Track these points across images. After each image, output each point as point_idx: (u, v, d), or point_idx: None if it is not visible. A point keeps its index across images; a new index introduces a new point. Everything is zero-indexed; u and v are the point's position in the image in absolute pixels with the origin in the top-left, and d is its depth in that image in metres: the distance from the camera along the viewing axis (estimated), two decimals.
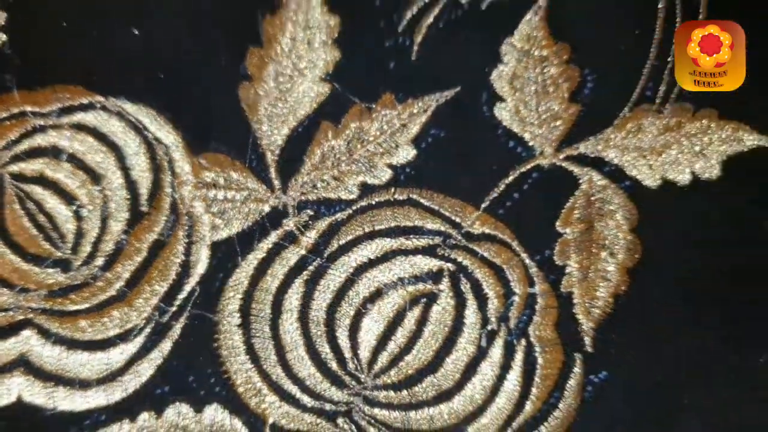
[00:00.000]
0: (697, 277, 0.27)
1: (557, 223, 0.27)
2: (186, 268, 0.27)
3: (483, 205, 0.28)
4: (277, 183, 0.27)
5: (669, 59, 0.27)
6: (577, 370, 0.27)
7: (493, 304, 0.27)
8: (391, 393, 0.27)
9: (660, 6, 0.27)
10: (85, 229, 0.27)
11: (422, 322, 0.27)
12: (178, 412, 0.26)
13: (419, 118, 0.28)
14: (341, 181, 0.27)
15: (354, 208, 0.28)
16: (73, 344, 0.27)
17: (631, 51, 0.28)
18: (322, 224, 0.27)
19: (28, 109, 0.28)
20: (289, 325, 0.27)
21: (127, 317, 0.27)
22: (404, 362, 0.27)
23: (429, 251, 0.27)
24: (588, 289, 0.27)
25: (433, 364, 0.27)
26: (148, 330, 0.27)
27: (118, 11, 0.28)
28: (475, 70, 0.28)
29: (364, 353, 0.27)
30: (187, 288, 0.27)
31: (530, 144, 0.28)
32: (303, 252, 0.27)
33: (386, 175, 0.28)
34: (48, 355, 0.27)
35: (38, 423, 0.26)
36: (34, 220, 0.27)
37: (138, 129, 0.28)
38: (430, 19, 0.28)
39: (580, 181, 0.28)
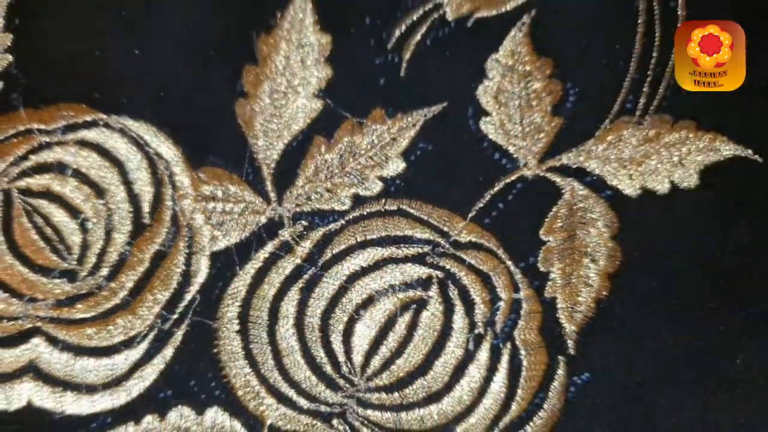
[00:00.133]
0: (676, 282, 0.27)
1: (541, 232, 0.28)
2: (187, 278, 0.28)
3: (470, 215, 0.28)
4: (273, 195, 0.28)
5: (648, 72, 0.28)
6: (560, 372, 0.27)
7: (480, 310, 0.27)
8: (383, 395, 0.27)
9: (639, 21, 0.28)
10: (90, 241, 0.28)
11: (412, 327, 0.27)
12: (181, 414, 0.27)
13: (408, 132, 0.28)
14: (334, 193, 0.28)
15: (347, 218, 0.28)
16: (79, 351, 0.27)
17: (612, 65, 0.28)
18: (317, 234, 0.28)
19: (35, 126, 0.28)
20: (286, 331, 0.27)
21: (131, 325, 0.27)
22: (395, 365, 0.27)
23: (418, 259, 0.28)
24: (571, 294, 0.27)
25: (423, 367, 0.27)
26: (151, 337, 0.27)
27: (120, 33, 0.29)
28: (461, 86, 0.28)
29: (357, 357, 0.27)
30: (188, 296, 0.28)
31: (514, 156, 0.28)
32: (298, 261, 0.28)
33: (377, 187, 0.28)
34: (56, 361, 0.27)
35: (47, 426, 0.27)
36: (41, 232, 0.28)
37: (139, 145, 0.28)
38: (418, 37, 0.28)
39: (563, 191, 0.28)
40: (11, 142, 0.28)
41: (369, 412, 0.27)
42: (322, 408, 0.27)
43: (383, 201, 0.28)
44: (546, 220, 0.28)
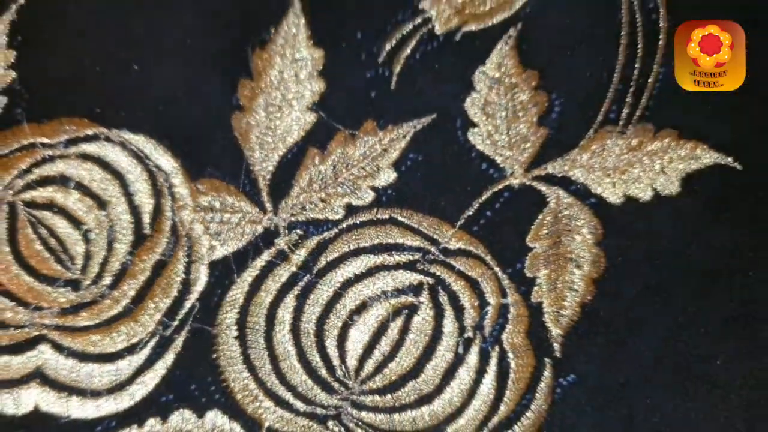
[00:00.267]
0: (658, 287, 0.28)
1: (527, 239, 0.28)
2: (186, 286, 0.28)
3: (459, 223, 0.28)
4: (268, 205, 0.28)
5: (631, 83, 0.28)
6: (547, 374, 0.27)
7: (469, 314, 0.28)
8: (377, 397, 0.27)
9: (622, 33, 0.28)
10: (93, 251, 0.28)
11: (404, 331, 0.28)
12: (182, 417, 0.27)
13: (399, 144, 0.28)
14: (328, 203, 0.28)
15: (340, 227, 0.28)
16: (84, 357, 0.28)
17: (596, 77, 0.28)
18: (311, 243, 0.28)
19: (38, 140, 0.28)
20: (282, 336, 0.28)
21: (133, 331, 0.28)
22: (388, 369, 0.27)
23: (409, 266, 0.28)
24: (556, 299, 0.28)
25: (415, 370, 0.28)
26: (152, 343, 0.28)
27: (119, 49, 0.29)
28: (450, 98, 0.29)
29: (352, 361, 0.27)
30: (188, 304, 0.28)
31: (501, 166, 0.28)
32: (294, 269, 0.28)
33: (369, 196, 0.28)
34: (62, 367, 0.27)
35: (54, 430, 0.27)
36: (45, 243, 0.28)
37: (139, 158, 0.28)
38: (408, 51, 0.29)
39: (548, 199, 0.28)
40: (15, 156, 0.28)
41: (363, 413, 0.27)
42: (318, 410, 0.27)
43: (375, 210, 0.28)
44: (532, 227, 0.28)
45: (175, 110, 0.29)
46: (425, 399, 0.27)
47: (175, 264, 0.28)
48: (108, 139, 0.28)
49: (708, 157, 0.28)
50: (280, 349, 0.28)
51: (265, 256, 0.28)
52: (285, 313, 0.28)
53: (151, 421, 0.27)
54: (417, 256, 0.28)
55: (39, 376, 0.27)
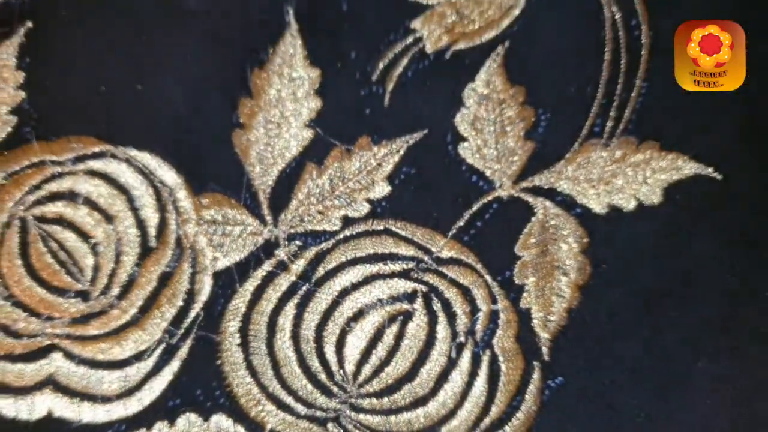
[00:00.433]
0: (641, 292, 0.28)
1: (516, 248, 0.29)
2: (191, 295, 0.28)
3: (450, 233, 0.29)
4: (269, 218, 0.29)
5: (615, 98, 0.29)
6: (536, 376, 0.28)
7: (461, 320, 0.28)
8: (374, 400, 0.28)
9: (606, 50, 0.29)
10: (101, 264, 0.28)
11: (400, 337, 0.28)
12: (188, 421, 0.28)
13: (393, 158, 0.29)
14: (325, 215, 0.29)
15: (337, 238, 0.29)
16: (94, 364, 0.28)
17: (581, 92, 0.29)
18: (310, 253, 0.29)
19: (47, 158, 0.29)
20: (283, 343, 0.28)
21: (141, 340, 0.28)
22: (385, 373, 0.28)
23: (404, 275, 0.29)
24: (544, 304, 0.28)
25: (410, 374, 0.28)
26: (159, 350, 0.28)
27: (123, 70, 0.29)
28: (440, 114, 0.29)
29: (350, 366, 0.28)
30: (193, 313, 0.28)
31: (490, 178, 0.29)
32: (293, 278, 0.28)
33: (365, 208, 0.29)
34: (73, 374, 0.28)
35: None
36: (56, 256, 0.28)
37: (145, 173, 0.29)
38: (400, 69, 0.29)
39: (536, 209, 0.29)
40: (26, 173, 0.29)
41: (361, 416, 0.28)
42: (318, 413, 0.28)
43: (371, 221, 0.29)
44: (520, 236, 0.29)
45: (179, 128, 0.29)
46: (420, 401, 0.28)
47: (180, 275, 0.28)
48: (114, 156, 0.29)
49: (689, 168, 0.28)
50: (281, 355, 0.28)
51: (266, 266, 0.28)
52: (285, 320, 0.28)
53: (159, 425, 0.27)
54: (411, 265, 0.29)
55: (51, 383, 0.28)
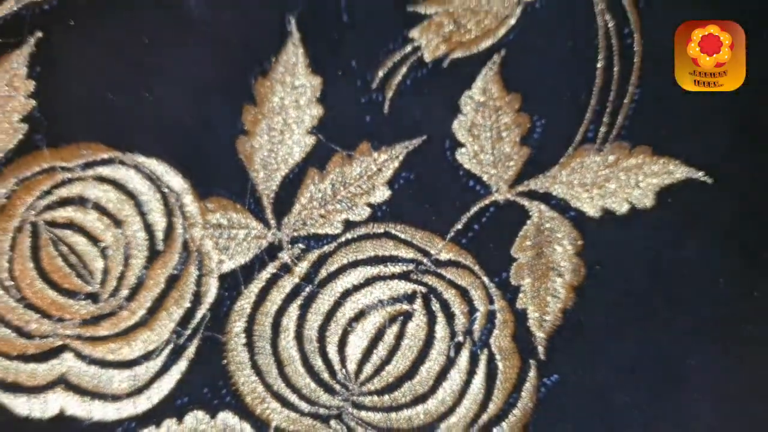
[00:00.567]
0: (634, 293, 0.29)
1: (512, 250, 0.29)
2: (198, 297, 0.29)
3: (448, 236, 0.29)
4: (272, 222, 0.29)
5: (608, 104, 0.29)
6: (532, 374, 0.28)
7: (460, 320, 0.29)
8: (375, 398, 0.28)
9: (599, 57, 0.29)
10: (110, 267, 0.29)
11: (400, 337, 0.29)
12: (196, 418, 0.28)
13: (392, 163, 0.29)
14: (327, 219, 0.29)
15: (339, 241, 0.29)
16: (105, 364, 0.28)
17: (575, 98, 0.29)
18: (312, 256, 0.29)
19: (57, 164, 0.29)
20: (287, 343, 0.29)
21: (149, 340, 0.28)
22: (385, 372, 0.28)
23: (404, 276, 0.29)
24: (540, 305, 0.29)
25: (410, 373, 0.28)
26: (167, 350, 0.28)
27: (131, 79, 0.30)
28: (438, 121, 0.29)
29: (351, 365, 0.28)
30: (200, 314, 0.29)
31: (487, 183, 0.29)
32: (296, 280, 0.29)
33: (366, 212, 0.29)
34: (84, 374, 0.28)
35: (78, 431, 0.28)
36: (66, 260, 0.29)
37: (152, 179, 0.29)
38: (399, 78, 0.29)
39: (531, 213, 0.29)
40: (37, 179, 0.29)
41: (363, 413, 0.28)
42: (321, 411, 0.28)
43: (371, 225, 0.29)
44: (516, 239, 0.29)
45: (185, 135, 0.29)
46: (420, 399, 0.28)
47: (186, 277, 0.29)
48: (122, 163, 0.29)
49: (680, 172, 0.29)
50: (285, 355, 0.29)
51: (270, 268, 0.29)
52: (289, 321, 0.29)
53: (168, 422, 0.28)
54: (410, 267, 0.29)
55: (63, 382, 0.28)
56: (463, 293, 0.29)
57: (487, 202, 0.29)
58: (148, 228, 0.29)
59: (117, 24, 0.30)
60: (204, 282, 0.29)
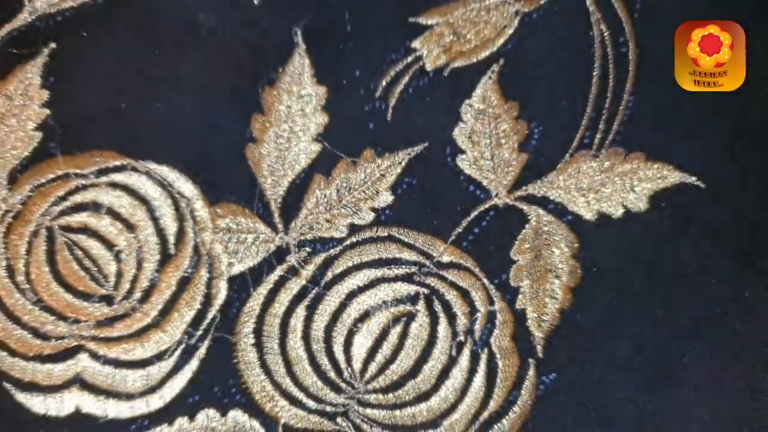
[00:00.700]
0: (630, 293, 0.29)
1: (511, 252, 0.29)
2: (208, 299, 0.29)
3: (450, 239, 0.29)
4: (280, 226, 0.29)
5: (604, 111, 0.29)
6: (531, 372, 0.29)
7: (461, 321, 0.29)
8: (380, 396, 0.29)
9: (595, 66, 0.30)
10: (124, 270, 0.29)
11: (403, 337, 0.29)
12: (207, 416, 0.28)
13: (395, 169, 0.30)
14: (333, 223, 0.29)
15: (344, 244, 0.29)
16: (119, 364, 0.29)
17: (571, 106, 0.30)
18: (319, 259, 0.29)
19: (71, 171, 0.29)
20: (294, 343, 0.29)
21: (161, 341, 0.29)
22: (390, 370, 0.29)
23: (407, 278, 0.29)
24: (538, 305, 0.29)
25: (413, 371, 0.29)
26: (179, 350, 0.29)
27: (144, 88, 0.30)
28: (439, 128, 0.30)
29: (357, 364, 0.29)
30: (210, 315, 0.29)
31: (487, 188, 0.30)
32: (303, 282, 0.29)
33: (370, 216, 0.29)
34: (99, 373, 0.29)
35: (94, 429, 0.28)
36: (81, 263, 0.29)
37: (164, 185, 0.29)
38: (401, 86, 0.30)
39: (529, 217, 0.29)
40: (51, 185, 0.29)
41: (368, 410, 0.29)
42: (328, 408, 0.29)
43: (375, 229, 0.29)
44: (515, 242, 0.29)
45: (195, 142, 0.30)
46: (423, 396, 0.29)
47: (197, 280, 0.29)
48: (135, 169, 0.29)
49: (673, 176, 0.29)
50: (292, 354, 0.29)
51: (278, 271, 0.29)
52: (296, 322, 0.29)
53: (180, 420, 0.28)
54: (413, 269, 0.29)
55: (79, 382, 0.28)
56: (465, 294, 0.29)
57: (487, 206, 0.29)
58: (160, 232, 0.29)
59: (128, 35, 0.30)
60: (214, 284, 0.29)
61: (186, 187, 0.29)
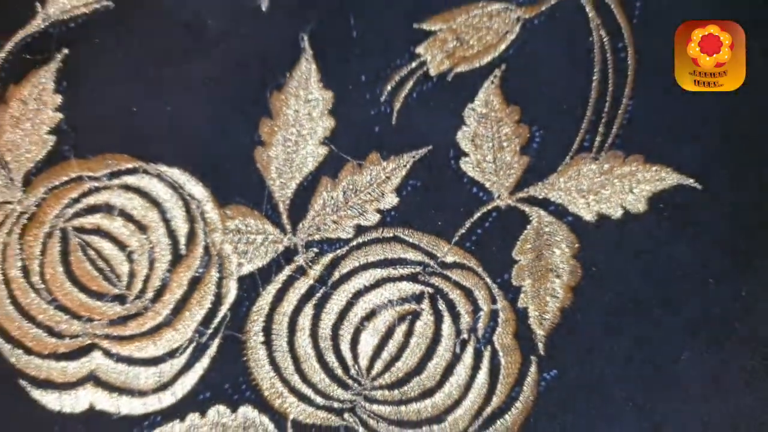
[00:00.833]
0: (629, 292, 0.29)
1: (513, 252, 0.29)
2: (218, 298, 0.29)
3: (453, 240, 0.30)
4: (288, 227, 0.30)
5: (603, 115, 0.30)
6: (532, 369, 0.29)
7: (465, 319, 0.29)
8: (386, 392, 0.29)
9: (595, 71, 0.30)
10: (136, 270, 0.29)
11: (408, 335, 0.29)
12: (218, 412, 0.29)
13: (400, 172, 0.30)
14: (339, 224, 0.30)
15: (351, 245, 0.30)
16: (131, 362, 0.29)
17: (571, 110, 0.30)
18: (326, 259, 0.30)
19: (84, 174, 0.30)
20: (303, 341, 0.29)
21: (173, 339, 0.29)
22: (395, 367, 0.29)
23: (412, 278, 0.29)
24: (540, 304, 0.29)
25: (418, 368, 0.29)
26: (190, 348, 0.29)
27: (155, 93, 0.30)
28: (443, 131, 0.30)
29: (363, 361, 0.29)
30: (220, 314, 0.29)
31: (490, 189, 0.30)
32: (311, 282, 0.30)
33: (375, 218, 0.30)
34: (112, 370, 0.29)
35: (107, 425, 0.28)
36: (94, 264, 0.29)
37: (175, 187, 0.30)
38: (406, 91, 0.30)
39: (531, 218, 0.30)
40: (65, 188, 0.30)
41: (374, 406, 0.29)
42: (336, 404, 0.29)
43: (381, 230, 0.30)
44: (517, 242, 0.30)
45: (205, 146, 0.30)
46: (428, 393, 0.29)
47: (208, 279, 0.29)
48: (146, 172, 0.30)
49: (671, 178, 0.29)
50: (301, 352, 0.29)
51: (286, 271, 0.29)
52: (305, 320, 0.29)
53: (191, 416, 0.28)
54: (418, 269, 0.30)
55: (92, 379, 0.29)
56: (468, 293, 0.29)
57: (489, 207, 0.30)
58: (172, 233, 0.30)
59: (139, 41, 0.31)
60: (224, 284, 0.29)
61: (196, 189, 0.30)
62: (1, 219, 0.29)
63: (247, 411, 0.29)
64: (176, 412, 0.29)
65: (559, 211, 0.30)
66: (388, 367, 0.29)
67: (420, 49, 0.30)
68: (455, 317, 0.29)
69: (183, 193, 0.30)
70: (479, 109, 0.30)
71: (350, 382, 0.29)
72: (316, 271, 0.30)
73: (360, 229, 0.30)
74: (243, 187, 0.30)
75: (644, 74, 0.30)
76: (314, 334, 0.29)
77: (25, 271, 0.29)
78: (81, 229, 0.29)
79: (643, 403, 0.28)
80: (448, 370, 0.29)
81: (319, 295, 0.29)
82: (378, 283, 0.29)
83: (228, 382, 0.29)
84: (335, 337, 0.29)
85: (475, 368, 0.29)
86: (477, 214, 0.30)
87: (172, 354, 0.29)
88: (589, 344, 0.29)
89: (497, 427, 0.29)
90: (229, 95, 0.30)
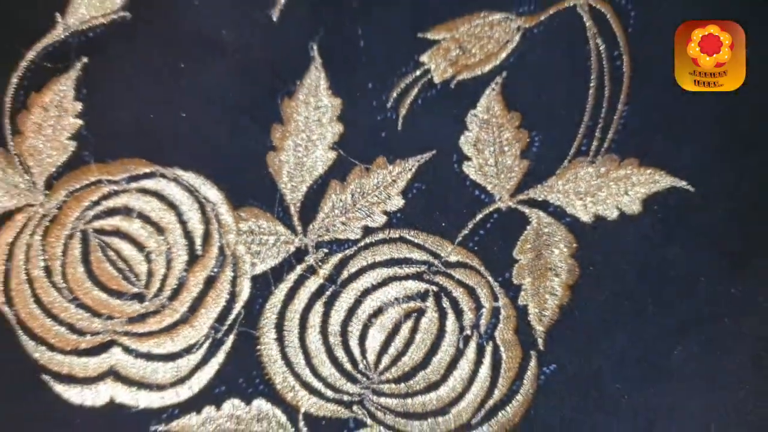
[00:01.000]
0: (625, 291, 0.29)
1: (514, 252, 0.30)
2: (233, 296, 0.30)
3: (457, 240, 0.30)
4: (299, 228, 0.30)
5: (599, 120, 0.30)
6: (532, 364, 0.29)
7: (468, 316, 0.30)
8: (393, 385, 0.29)
9: (592, 77, 0.30)
10: (154, 270, 0.30)
11: (414, 331, 0.29)
12: (233, 405, 0.29)
13: (405, 175, 0.30)
14: (348, 225, 0.30)
15: (359, 245, 0.30)
16: (150, 357, 0.29)
17: (569, 115, 0.30)
18: (335, 259, 0.30)
19: (104, 177, 0.30)
20: (313, 337, 0.30)
21: (190, 335, 0.29)
22: (401, 362, 0.29)
23: (417, 277, 0.30)
24: (539, 302, 0.30)
25: (424, 363, 0.29)
26: (206, 344, 0.29)
27: (170, 99, 0.31)
28: (447, 137, 0.30)
29: (371, 356, 0.29)
30: (235, 311, 0.30)
31: (491, 192, 0.30)
32: (321, 281, 0.30)
33: (382, 219, 0.30)
34: (131, 366, 0.29)
35: (127, 418, 0.29)
36: (114, 264, 0.30)
37: (191, 191, 0.30)
38: (411, 98, 0.30)
39: (530, 219, 0.30)
40: (85, 191, 0.30)
41: (382, 399, 0.29)
42: (345, 397, 0.29)
43: (387, 231, 0.30)
44: (518, 242, 0.30)
45: (219, 151, 0.30)
46: (433, 386, 0.29)
47: (223, 278, 0.30)
48: (163, 176, 0.30)
49: (665, 181, 0.30)
50: (311, 348, 0.30)
51: (298, 270, 0.30)
52: (315, 317, 0.30)
53: (208, 409, 0.29)
54: (423, 268, 0.30)
55: (112, 374, 0.29)
56: (471, 291, 0.30)
57: (491, 209, 0.30)
58: (188, 235, 0.30)
59: (155, 50, 0.31)
60: (238, 283, 0.30)
61: (211, 192, 0.30)
62: (24, 221, 0.30)
63: (260, 404, 0.29)
64: (193, 405, 0.29)
65: (558, 213, 0.30)
66: (394, 361, 0.29)
67: (424, 58, 0.30)
68: (458, 314, 0.30)
69: (198, 196, 0.30)
70: (481, 115, 0.30)
71: (359, 376, 0.29)
72: (325, 270, 0.30)
73: (367, 230, 0.30)
74: (256, 190, 0.30)
75: (641, 78, 0.30)
76: (324, 331, 0.30)
77: (48, 271, 0.30)
78: (101, 231, 0.30)
79: (638, 396, 0.29)
80: (452, 365, 0.29)
81: (328, 293, 0.30)
82: (385, 282, 0.30)
83: (242, 376, 0.29)
84: (344, 333, 0.30)
85: (478, 363, 0.29)
86: (479, 216, 0.30)
87: (188, 350, 0.29)
88: (586, 340, 0.29)
89: (499, 418, 0.29)
90: (242, 102, 0.30)
